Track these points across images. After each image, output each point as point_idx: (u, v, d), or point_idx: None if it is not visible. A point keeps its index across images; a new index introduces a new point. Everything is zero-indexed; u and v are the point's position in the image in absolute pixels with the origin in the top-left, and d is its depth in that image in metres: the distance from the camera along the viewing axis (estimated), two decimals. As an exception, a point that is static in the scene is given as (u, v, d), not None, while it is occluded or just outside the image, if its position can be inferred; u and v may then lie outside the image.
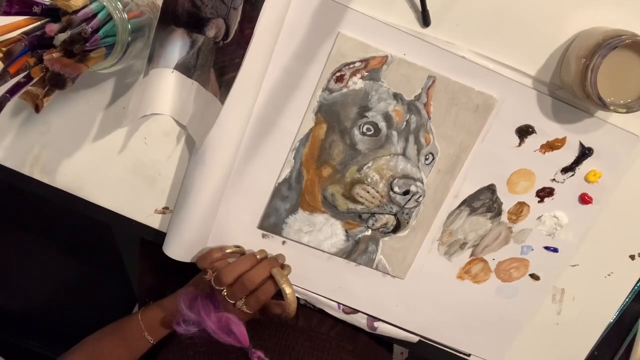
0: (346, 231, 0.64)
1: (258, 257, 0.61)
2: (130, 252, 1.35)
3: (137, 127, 0.62)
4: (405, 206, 0.62)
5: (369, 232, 0.64)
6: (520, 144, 0.61)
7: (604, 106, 0.52)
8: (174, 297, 0.65)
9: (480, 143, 0.61)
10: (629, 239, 0.66)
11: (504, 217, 0.64)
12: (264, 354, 0.59)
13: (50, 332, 1.52)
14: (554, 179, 0.63)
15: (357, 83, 0.58)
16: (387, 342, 0.74)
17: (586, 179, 0.62)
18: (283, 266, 0.63)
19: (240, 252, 0.64)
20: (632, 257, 0.67)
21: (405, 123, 0.59)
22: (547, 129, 0.60)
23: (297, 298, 0.68)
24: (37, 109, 0.47)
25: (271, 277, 0.59)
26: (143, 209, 0.65)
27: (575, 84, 0.53)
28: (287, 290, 0.59)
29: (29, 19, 0.47)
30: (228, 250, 0.63)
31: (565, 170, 0.62)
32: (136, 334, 0.63)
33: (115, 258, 1.35)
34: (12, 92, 0.46)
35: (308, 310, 0.70)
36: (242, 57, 0.54)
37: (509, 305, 0.68)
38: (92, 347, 0.63)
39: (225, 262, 0.62)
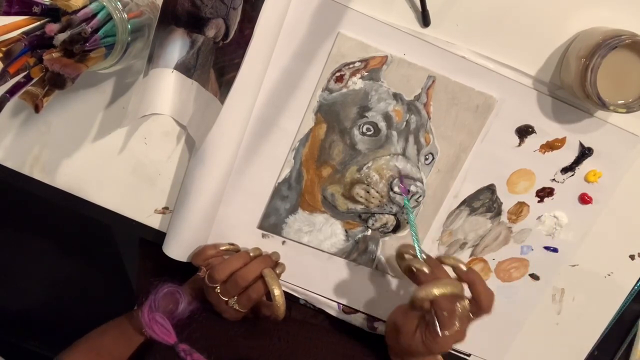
0: (346, 231, 0.64)
1: (252, 254, 0.61)
2: (130, 252, 1.35)
3: (137, 127, 0.62)
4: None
5: (368, 232, 0.64)
6: (520, 144, 0.61)
7: (604, 106, 0.52)
8: None
9: (480, 143, 0.61)
10: (629, 239, 0.66)
11: (504, 217, 0.64)
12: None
13: (50, 332, 1.52)
14: (553, 179, 0.63)
15: (357, 83, 0.58)
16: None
17: (586, 179, 0.62)
18: (277, 264, 0.63)
19: (234, 250, 0.63)
20: (632, 257, 0.67)
21: (405, 123, 0.59)
22: (547, 129, 0.60)
23: (297, 298, 0.68)
24: (37, 109, 0.47)
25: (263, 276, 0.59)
26: (143, 209, 0.65)
27: (575, 84, 0.53)
28: (276, 292, 0.58)
29: (29, 19, 0.47)
30: (222, 248, 0.63)
31: (565, 170, 0.62)
32: (137, 329, 0.63)
33: (115, 258, 1.35)
34: (12, 92, 0.46)
35: (308, 310, 0.70)
36: (241, 57, 0.54)
37: (509, 305, 0.68)
38: (93, 341, 0.64)
39: (219, 259, 0.62)
